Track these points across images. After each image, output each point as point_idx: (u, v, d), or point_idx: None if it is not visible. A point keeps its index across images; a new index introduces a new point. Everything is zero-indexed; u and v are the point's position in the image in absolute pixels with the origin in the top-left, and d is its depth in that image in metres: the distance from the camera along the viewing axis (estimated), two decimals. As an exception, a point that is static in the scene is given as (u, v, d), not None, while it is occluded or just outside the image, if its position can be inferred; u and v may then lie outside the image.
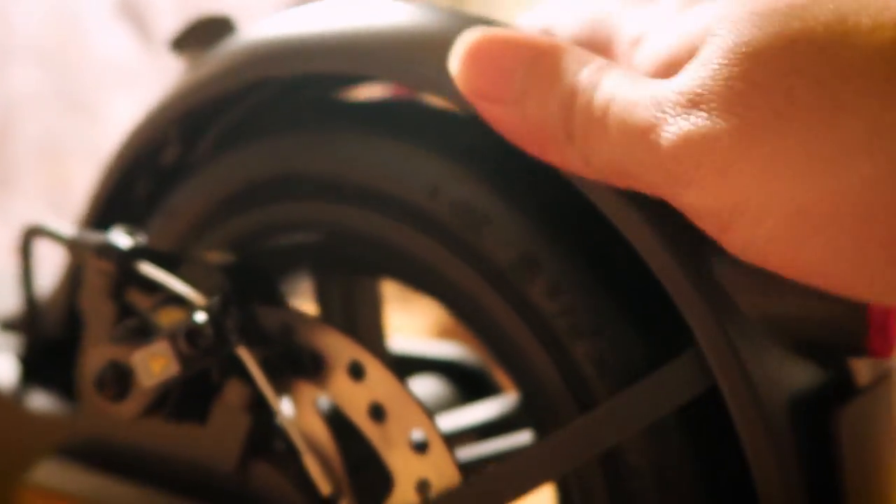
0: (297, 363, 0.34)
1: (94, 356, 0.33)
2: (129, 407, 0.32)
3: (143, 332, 0.33)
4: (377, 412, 0.33)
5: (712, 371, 0.27)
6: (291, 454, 0.34)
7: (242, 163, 0.39)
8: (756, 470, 0.26)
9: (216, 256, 0.37)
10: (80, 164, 1.98)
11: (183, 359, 0.31)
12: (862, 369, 0.29)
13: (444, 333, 1.49)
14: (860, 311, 0.25)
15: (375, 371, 0.33)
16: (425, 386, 0.48)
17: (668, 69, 0.24)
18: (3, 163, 1.89)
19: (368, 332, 0.42)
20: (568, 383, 0.31)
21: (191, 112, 0.37)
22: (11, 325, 0.50)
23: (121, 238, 0.34)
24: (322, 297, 0.41)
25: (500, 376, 0.61)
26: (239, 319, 0.32)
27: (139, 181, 0.43)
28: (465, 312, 0.35)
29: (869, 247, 0.20)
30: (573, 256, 0.31)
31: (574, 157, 0.24)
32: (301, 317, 0.34)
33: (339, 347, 0.33)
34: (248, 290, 0.35)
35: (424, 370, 0.51)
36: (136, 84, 2.07)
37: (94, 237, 0.34)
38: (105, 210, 0.42)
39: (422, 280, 0.37)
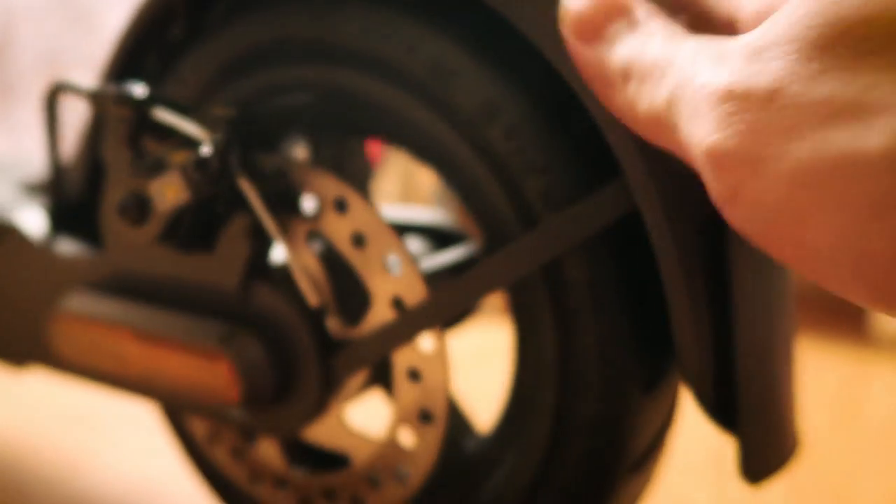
0: (292, 200, 0.40)
1: (117, 188, 0.39)
2: (148, 230, 0.38)
3: (158, 168, 0.38)
4: (358, 240, 0.39)
5: (633, 195, 0.32)
6: (286, 277, 0.40)
7: (243, 30, 0.43)
8: (667, 280, 0.32)
9: (221, 110, 0.42)
10: (78, 72, 2.00)
11: (193, 186, 0.36)
12: None
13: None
14: None
15: (357, 205, 0.38)
16: (408, 242, 0.54)
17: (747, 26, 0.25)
18: (4, 72, 1.91)
19: (355, 184, 0.48)
20: (518, 211, 0.37)
21: None
22: (40, 188, 0.56)
23: (137, 88, 0.39)
24: (315, 154, 0.47)
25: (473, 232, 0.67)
26: (241, 155, 0.37)
27: (150, 54, 0.48)
28: (435, 158, 0.40)
29: (879, 237, 0.17)
30: (528, 104, 0.36)
31: (623, 102, 0.25)
32: (294, 161, 0.39)
33: (326, 186, 0.39)
34: (248, 137, 0.40)
35: (408, 231, 0.57)
36: (134, -6, 2.07)
37: (114, 88, 0.39)
38: (121, 76, 0.47)
39: (399, 135, 0.42)
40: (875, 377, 1.02)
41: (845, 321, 1.30)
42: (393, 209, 0.58)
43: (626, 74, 0.25)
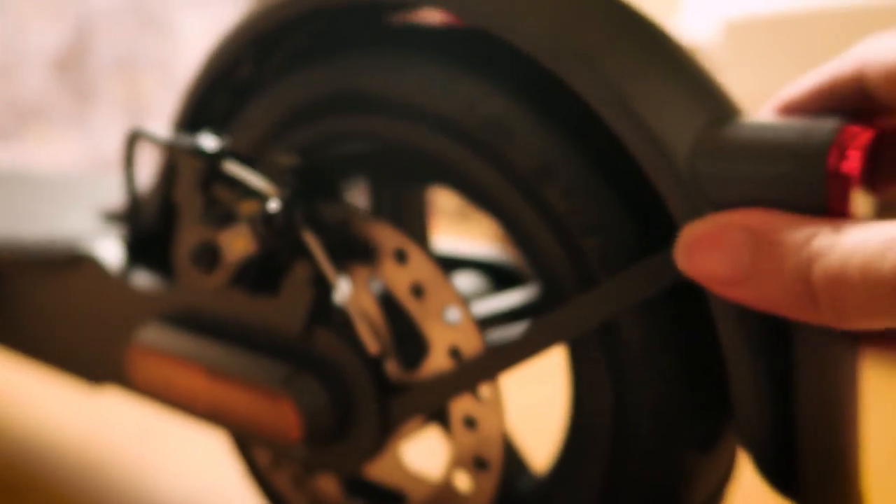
0: (353, 250, 0.41)
1: (189, 236, 0.41)
2: (217, 278, 0.40)
3: (227, 219, 0.40)
4: (417, 291, 0.40)
5: None
6: (347, 323, 0.42)
7: (308, 79, 0.45)
8: (726, 344, 0.32)
9: (286, 159, 0.43)
10: (153, 79, 2.07)
11: (260, 239, 0.38)
12: None
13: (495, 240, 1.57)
14: (818, 171, 0.30)
15: (417, 256, 0.39)
16: (465, 279, 0.55)
17: None
18: (83, 77, 2.00)
19: (414, 230, 0.49)
20: (576, 270, 0.37)
21: (262, 34, 0.43)
22: (116, 217, 0.59)
23: (209, 140, 0.41)
24: (374, 201, 0.48)
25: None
26: (305, 209, 0.38)
27: (219, 96, 0.50)
28: (496, 212, 0.41)
29: None
30: (584, 165, 0.37)
31: (826, 316, 0.25)
32: (357, 211, 0.41)
33: (387, 237, 0.40)
34: (312, 186, 0.41)
35: (466, 267, 0.57)
36: (206, 2, 2.13)
37: (188, 140, 0.41)
38: (191, 121, 0.49)
39: (459, 185, 0.43)
40: (949, 406, 0.98)
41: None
42: (453, 244, 0.59)
43: (810, 294, 0.26)
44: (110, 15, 1.98)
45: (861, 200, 0.32)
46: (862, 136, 0.30)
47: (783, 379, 0.33)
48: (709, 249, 0.28)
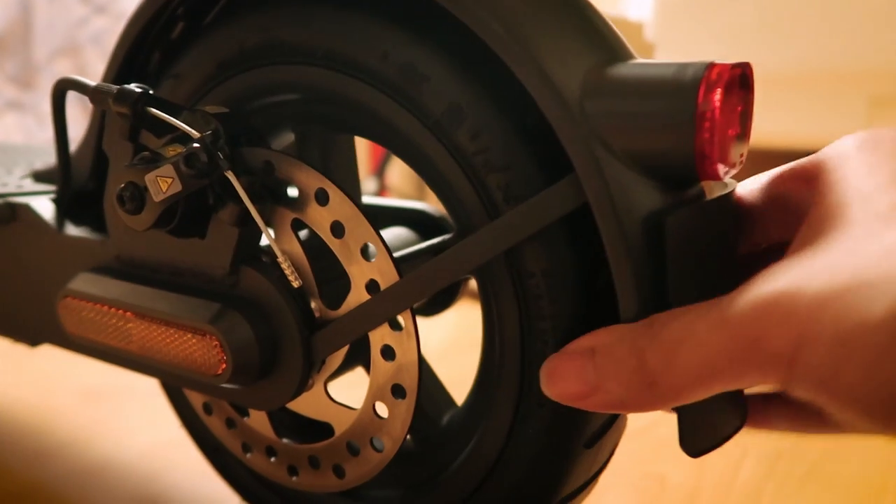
0: (276, 191, 0.43)
1: (116, 180, 0.42)
2: (144, 218, 0.42)
3: (153, 163, 0.42)
4: (337, 229, 0.42)
5: (584, 189, 0.35)
6: (272, 262, 0.44)
7: (234, 33, 0.46)
8: (614, 266, 0.35)
9: (212, 108, 0.45)
10: (96, 57, 2.04)
11: (183, 178, 0.40)
12: (713, 188, 0.37)
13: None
14: (688, 144, 0.33)
15: (337, 197, 0.42)
16: (394, 231, 0.58)
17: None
18: (28, 59, 1.95)
19: (342, 178, 0.51)
20: (484, 206, 0.40)
21: None
22: (46, 176, 0.60)
23: (134, 87, 0.42)
24: (301, 151, 0.50)
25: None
26: (227, 150, 0.40)
27: (153, 53, 0.51)
28: (409, 155, 0.43)
29: None
30: (491, 107, 0.39)
31: (663, 392, 0.30)
32: (279, 155, 0.43)
33: (309, 178, 0.42)
34: (237, 133, 0.43)
35: (395, 219, 0.60)
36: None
37: (114, 87, 0.43)
38: (123, 75, 0.50)
39: (376, 132, 0.45)
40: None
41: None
42: (382, 201, 0.61)
43: (648, 379, 0.31)
44: (51, -8, 1.94)
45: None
46: (731, 73, 0.33)
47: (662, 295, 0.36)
48: (561, 374, 0.33)
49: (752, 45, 1.51)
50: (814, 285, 0.26)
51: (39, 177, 0.61)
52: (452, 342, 1.16)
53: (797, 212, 0.35)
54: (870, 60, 1.41)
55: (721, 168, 0.34)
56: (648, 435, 0.82)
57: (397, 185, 1.87)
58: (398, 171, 1.82)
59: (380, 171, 1.83)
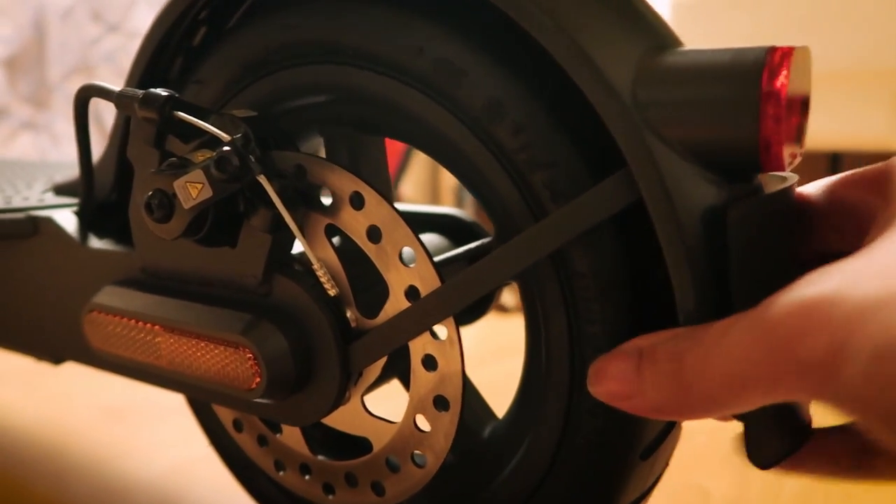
0: (309, 196, 0.41)
1: (143, 187, 0.41)
2: (173, 227, 0.40)
3: (182, 168, 0.40)
4: (374, 234, 0.40)
5: (638, 185, 0.33)
6: (306, 270, 0.42)
7: (259, 34, 0.45)
8: (671, 265, 0.33)
9: (240, 111, 0.43)
10: (110, 75, 2.04)
11: (214, 183, 0.38)
12: (771, 184, 0.35)
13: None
14: (752, 131, 0.31)
15: (373, 200, 0.40)
16: (428, 237, 0.56)
17: None
18: (43, 78, 1.96)
19: (373, 180, 0.49)
20: (528, 206, 0.38)
21: None
22: (68, 189, 0.58)
23: (160, 91, 0.41)
24: (330, 154, 0.48)
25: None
26: (258, 153, 0.39)
27: (175, 60, 0.49)
28: (445, 155, 0.41)
29: None
30: (533, 101, 0.37)
31: (697, 398, 0.29)
32: (311, 158, 0.41)
33: (343, 182, 0.40)
34: (267, 136, 0.42)
35: (428, 226, 0.58)
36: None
37: (139, 91, 0.41)
38: (145, 82, 0.49)
39: (409, 132, 0.43)
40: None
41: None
42: (413, 207, 0.59)
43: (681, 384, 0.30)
44: (65, 11, 1.95)
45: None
46: (792, 55, 0.31)
47: (726, 300, 0.34)
48: (606, 373, 0.32)
49: (771, 47, 1.49)
50: (859, 291, 0.24)
51: (61, 190, 0.59)
52: (473, 353, 1.14)
53: (860, 220, 0.33)
54: (893, 60, 1.38)
55: (787, 155, 0.32)
56: (686, 443, 0.80)
57: (411, 196, 1.86)
58: (412, 182, 1.81)
59: (394, 182, 1.81)
